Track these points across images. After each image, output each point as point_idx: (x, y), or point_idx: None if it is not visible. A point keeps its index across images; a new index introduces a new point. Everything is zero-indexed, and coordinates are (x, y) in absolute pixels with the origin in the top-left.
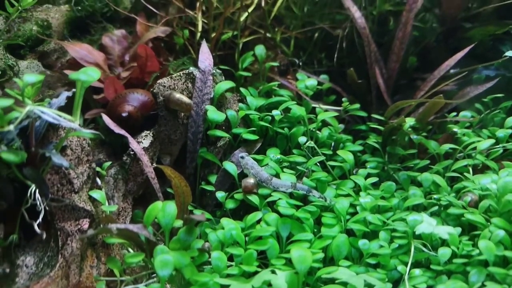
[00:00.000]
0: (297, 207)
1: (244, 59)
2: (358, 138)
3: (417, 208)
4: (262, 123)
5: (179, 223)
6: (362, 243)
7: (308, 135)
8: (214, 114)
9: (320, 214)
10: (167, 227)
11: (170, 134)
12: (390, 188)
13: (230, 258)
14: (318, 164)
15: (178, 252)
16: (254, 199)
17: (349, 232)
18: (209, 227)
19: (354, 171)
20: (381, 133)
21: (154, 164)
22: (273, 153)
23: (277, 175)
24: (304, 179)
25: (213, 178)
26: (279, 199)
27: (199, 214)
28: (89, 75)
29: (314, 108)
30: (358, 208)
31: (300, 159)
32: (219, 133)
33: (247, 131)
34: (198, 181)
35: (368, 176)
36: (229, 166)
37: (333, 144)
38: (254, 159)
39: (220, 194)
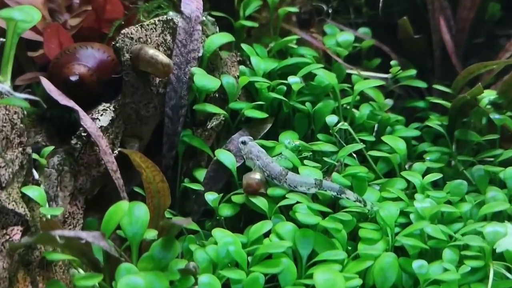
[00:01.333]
0: (324, 215)
1: (247, 3)
2: (413, 119)
3: (498, 217)
4: (274, 94)
5: (152, 233)
6: (418, 265)
7: (340, 114)
8: (203, 80)
9: (356, 224)
10: (135, 238)
11: (139, 108)
12: (460, 188)
13: (226, 284)
14: (354, 155)
15: (152, 273)
16: (260, 202)
17: (399, 250)
18: (194, 242)
19: (406, 166)
20: (446, 111)
21: (116, 151)
22: (289, 139)
23: (294, 170)
24: (334, 175)
25: (201, 174)
26: (297, 202)
27: (182, 219)
28: (27, 14)
29: (349, 75)
30: (412, 216)
31: (328, 147)
32: (210, 108)
33: (251, 106)
34: (179, 177)
35: (427, 172)
36: (225, 157)
37: (376, 127)
38: (262, 146)
39: (211, 196)
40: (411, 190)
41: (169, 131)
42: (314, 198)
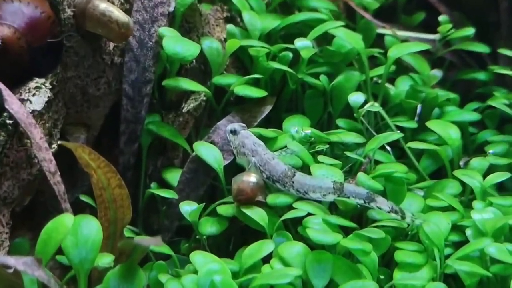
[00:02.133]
0: (346, 231)
1: None
2: (471, 96)
3: None
4: (275, 65)
5: (106, 259)
6: None
7: (368, 91)
8: (176, 45)
9: (392, 244)
10: (82, 265)
11: (86, 85)
12: None
13: None
14: (388, 148)
15: None
16: (257, 215)
17: (451, 280)
18: (165, 271)
19: (461, 162)
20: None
21: (55, 145)
22: (297, 126)
23: (305, 169)
24: (360, 176)
25: (174, 176)
26: (309, 214)
27: (148, 238)
28: None
29: (381, 36)
30: (468, 232)
31: (352, 137)
32: (186, 84)
33: (243, 82)
34: (144, 180)
35: (490, 171)
36: (207, 152)
37: (419, 108)
38: (259, 136)
39: (188, 208)
40: (467, 196)
41: (128, 116)
42: (333, 208)
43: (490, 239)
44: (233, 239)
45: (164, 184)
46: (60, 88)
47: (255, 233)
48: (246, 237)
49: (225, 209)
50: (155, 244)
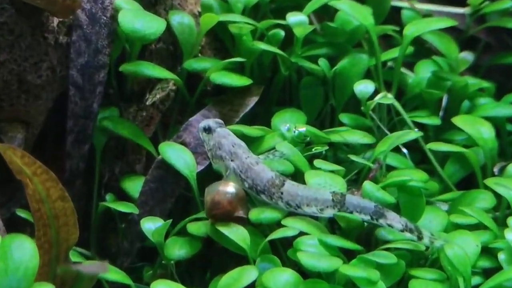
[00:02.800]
0: (349, 255)
1: None
2: (510, 86)
3: None
4: (263, 46)
5: None
6: None
7: (380, 79)
8: (136, 21)
9: (406, 272)
10: None
11: (24, 71)
12: None
13: None
14: (404, 150)
15: None
16: (236, 234)
17: None
18: None
19: (495, 169)
20: None
21: None
22: (289, 121)
23: (296, 177)
24: (367, 185)
25: (134, 185)
26: (302, 234)
27: (96, 263)
28: None
29: (396, 9)
30: (501, 257)
31: (358, 136)
32: (150, 70)
33: (222, 67)
34: (97, 191)
35: None
36: (176, 155)
37: (445, 100)
38: (241, 136)
39: (151, 225)
40: (503, 212)
41: (77, 110)
42: (333, 226)
43: None
44: (206, 266)
45: (123, 196)
46: None
47: (236, 257)
48: (226, 263)
49: (197, 228)
50: (101, 271)
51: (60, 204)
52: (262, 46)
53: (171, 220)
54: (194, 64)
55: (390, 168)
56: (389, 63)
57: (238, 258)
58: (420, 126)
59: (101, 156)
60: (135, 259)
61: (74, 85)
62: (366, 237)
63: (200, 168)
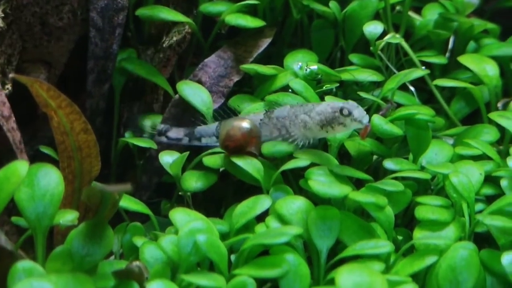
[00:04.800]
0: (358, 185)
1: None
2: (508, 27)
3: None
4: None
5: (69, 215)
6: (510, 260)
7: (388, 20)
8: None
9: (413, 200)
10: (40, 222)
11: (46, 13)
12: None
13: None
14: (412, 88)
15: (69, 276)
16: (250, 166)
17: (483, 239)
18: (141, 233)
19: (499, 104)
20: None
21: (9, 86)
22: (301, 61)
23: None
24: (374, 118)
25: (153, 122)
26: (313, 165)
27: (118, 185)
28: None
29: None
30: (504, 183)
31: (367, 74)
32: (165, 13)
33: (236, 9)
34: (116, 129)
35: None
36: (193, 93)
37: (452, 41)
38: (256, 74)
39: (169, 158)
40: (507, 145)
41: (97, 51)
42: (344, 158)
43: None
44: (223, 198)
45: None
46: (15, 17)
47: (251, 190)
48: (240, 197)
49: (213, 160)
50: (124, 190)
51: (83, 136)
52: None
53: (188, 152)
54: (209, 7)
55: (398, 106)
56: (398, 8)
57: (253, 191)
58: (428, 66)
59: (120, 96)
60: (153, 193)
61: (94, 27)
62: (375, 170)
63: (216, 106)
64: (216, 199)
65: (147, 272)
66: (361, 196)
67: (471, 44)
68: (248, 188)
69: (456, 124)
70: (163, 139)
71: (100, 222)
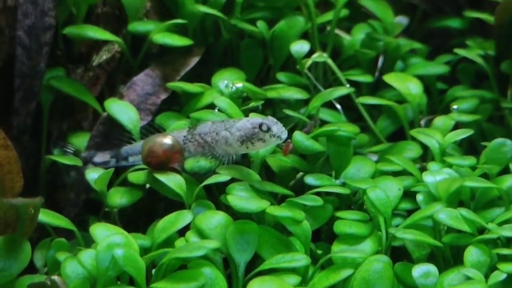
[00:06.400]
0: (281, 201)
1: None
2: (439, 48)
3: None
4: (204, 8)
5: None
6: (421, 272)
7: (315, 39)
8: None
9: (333, 214)
10: None
11: None
12: (501, 153)
13: None
14: (338, 106)
15: None
16: (172, 182)
17: (399, 253)
18: (66, 249)
19: (422, 122)
20: (490, 32)
21: None
22: (228, 79)
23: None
24: (295, 135)
25: (82, 140)
26: (232, 181)
27: (28, 199)
28: None
29: None
30: (419, 198)
31: (293, 92)
32: (96, 32)
33: (165, 28)
34: (45, 147)
35: (455, 128)
36: (121, 110)
37: (381, 61)
38: (182, 92)
39: (94, 175)
40: (430, 161)
41: (24, 69)
42: (267, 175)
43: (442, 204)
44: (155, 213)
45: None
46: None
47: (178, 205)
48: (169, 210)
49: (137, 177)
50: (33, 203)
51: (3, 152)
52: (204, 9)
53: (113, 169)
54: (138, 26)
55: (324, 123)
56: (325, 26)
57: (180, 206)
58: (356, 85)
59: (49, 114)
60: (83, 210)
61: (21, 45)
62: (301, 186)
63: (143, 123)
64: (146, 214)
65: (66, 287)
66: (278, 211)
67: (399, 63)
68: (179, 203)
69: (382, 141)
70: (90, 166)
71: (17, 238)
